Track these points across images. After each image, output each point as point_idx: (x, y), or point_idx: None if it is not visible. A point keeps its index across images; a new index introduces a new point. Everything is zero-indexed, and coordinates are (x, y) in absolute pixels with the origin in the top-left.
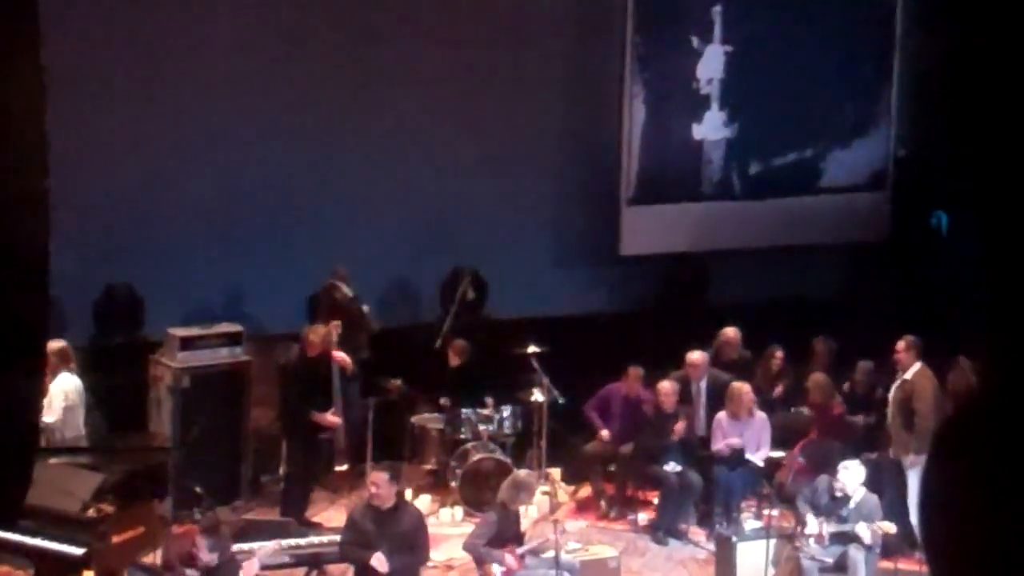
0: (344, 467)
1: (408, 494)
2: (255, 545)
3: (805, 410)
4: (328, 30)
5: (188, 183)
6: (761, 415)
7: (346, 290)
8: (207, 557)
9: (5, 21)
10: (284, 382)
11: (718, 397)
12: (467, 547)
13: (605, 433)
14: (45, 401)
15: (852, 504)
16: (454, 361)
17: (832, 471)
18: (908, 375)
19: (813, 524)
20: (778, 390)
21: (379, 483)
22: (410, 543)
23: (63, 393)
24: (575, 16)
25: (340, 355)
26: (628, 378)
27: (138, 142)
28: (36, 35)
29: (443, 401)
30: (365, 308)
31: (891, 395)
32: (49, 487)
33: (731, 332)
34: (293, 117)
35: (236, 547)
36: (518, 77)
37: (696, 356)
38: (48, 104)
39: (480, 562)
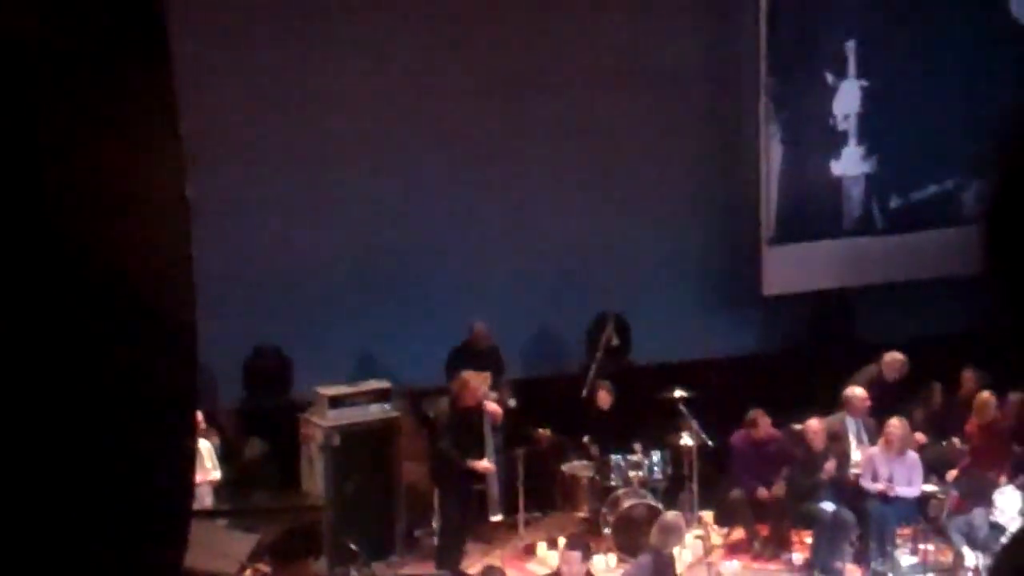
0: (499, 517)
1: (561, 542)
2: None
3: (957, 442)
4: (463, 81)
5: (327, 241)
6: (913, 453)
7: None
8: None
9: (141, 94)
10: (436, 434)
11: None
12: None
13: (763, 491)
14: (208, 464)
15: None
16: (604, 402)
17: (988, 503)
18: None
19: (971, 557)
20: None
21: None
22: None
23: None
24: (709, 59)
25: (492, 405)
26: (754, 423)
27: (276, 203)
28: (174, 107)
29: (586, 440)
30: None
31: None
32: (205, 549)
33: (896, 355)
34: (429, 169)
35: None
36: (655, 122)
37: (859, 391)
38: (189, 173)
39: None
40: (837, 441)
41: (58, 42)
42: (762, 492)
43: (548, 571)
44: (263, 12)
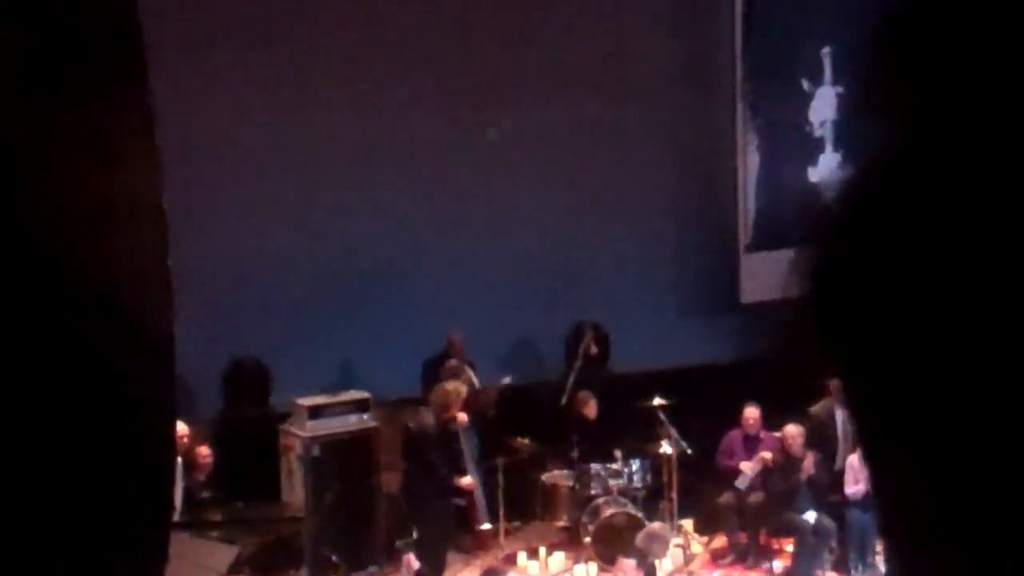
0: (488, 526)
1: (542, 552)
2: None
3: None
4: (442, 90)
5: (306, 251)
6: None
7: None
8: None
9: (117, 101)
10: (417, 447)
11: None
12: None
13: (746, 465)
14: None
15: None
16: (591, 412)
17: None
18: None
19: None
20: None
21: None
22: None
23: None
24: (685, 67)
25: (461, 415)
26: (744, 418)
27: (255, 213)
28: (150, 114)
29: (572, 448)
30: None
31: None
32: (185, 562)
33: None
34: (408, 179)
35: None
36: (631, 130)
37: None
38: (166, 182)
39: None
40: (822, 428)
41: (31, 50)
42: (744, 466)
43: None
44: (241, 19)
